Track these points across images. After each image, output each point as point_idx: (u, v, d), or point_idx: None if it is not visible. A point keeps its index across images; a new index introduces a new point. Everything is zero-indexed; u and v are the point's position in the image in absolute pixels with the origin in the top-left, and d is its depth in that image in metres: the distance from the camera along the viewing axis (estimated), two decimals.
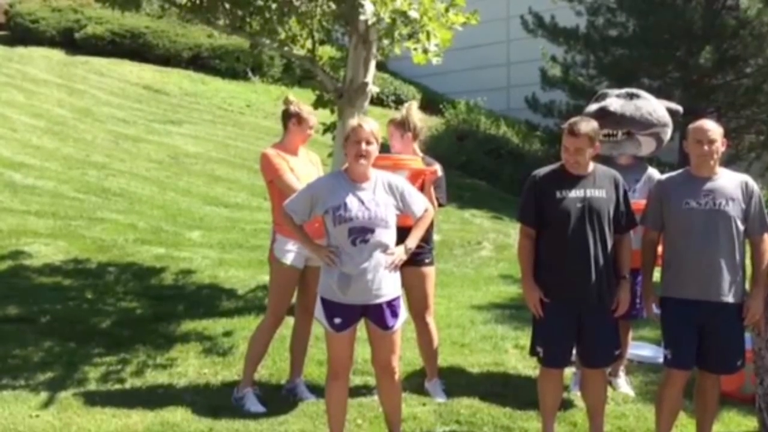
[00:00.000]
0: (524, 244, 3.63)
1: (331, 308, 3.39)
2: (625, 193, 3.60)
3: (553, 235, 3.53)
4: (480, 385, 4.60)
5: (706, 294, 3.49)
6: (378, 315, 3.42)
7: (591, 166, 3.58)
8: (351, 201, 3.33)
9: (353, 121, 3.45)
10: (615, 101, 4.54)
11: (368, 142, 3.35)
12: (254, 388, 4.24)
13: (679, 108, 4.82)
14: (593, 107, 4.56)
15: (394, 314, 3.45)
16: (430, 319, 4.36)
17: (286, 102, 4.33)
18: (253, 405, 4.12)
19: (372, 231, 3.32)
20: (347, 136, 3.41)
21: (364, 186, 3.40)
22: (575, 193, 3.49)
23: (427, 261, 4.26)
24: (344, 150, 3.47)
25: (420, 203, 3.53)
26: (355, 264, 3.32)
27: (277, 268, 4.18)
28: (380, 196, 3.39)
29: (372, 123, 3.44)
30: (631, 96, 4.59)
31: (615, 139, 4.42)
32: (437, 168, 4.22)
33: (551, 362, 3.63)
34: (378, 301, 3.38)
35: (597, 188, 3.51)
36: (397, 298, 3.46)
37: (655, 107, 4.57)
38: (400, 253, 3.43)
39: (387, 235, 3.38)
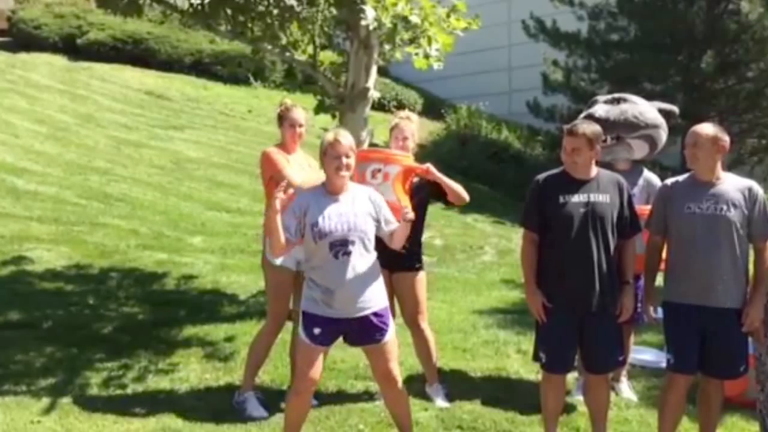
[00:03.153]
0: (527, 249, 3.63)
1: (313, 320, 3.37)
2: (630, 198, 3.59)
3: (556, 239, 3.52)
4: (482, 390, 4.59)
5: (707, 299, 3.49)
6: (365, 328, 3.40)
7: (595, 170, 3.57)
8: (329, 215, 3.33)
9: (329, 136, 3.42)
10: (601, 107, 4.57)
11: (347, 156, 3.37)
12: (256, 392, 4.23)
13: (674, 109, 4.82)
14: (582, 115, 4.59)
15: (383, 324, 3.42)
16: (425, 325, 4.33)
17: (280, 105, 4.39)
18: (255, 409, 4.10)
19: (353, 243, 3.32)
20: (324, 151, 3.39)
21: (341, 198, 3.40)
22: (578, 198, 3.48)
23: (417, 266, 4.25)
24: (322, 163, 3.45)
25: (392, 224, 3.48)
26: (339, 277, 3.31)
27: (271, 271, 4.19)
28: (359, 207, 3.39)
29: (348, 136, 3.45)
30: (618, 101, 4.61)
31: (605, 144, 4.42)
32: (429, 166, 4.18)
33: (554, 367, 3.61)
34: (363, 313, 3.37)
35: (601, 193, 3.50)
36: (384, 309, 3.45)
37: (642, 110, 4.57)
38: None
39: (368, 245, 3.39)
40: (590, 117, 4.43)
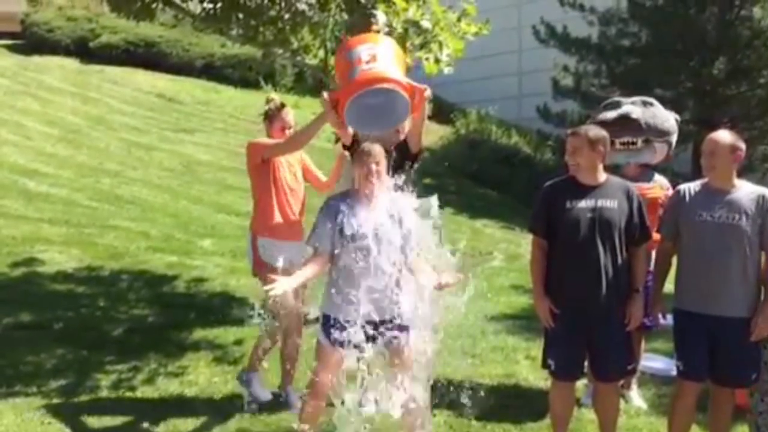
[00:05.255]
0: (536, 255, 3.62)
1: (333, 323, 3.38)
2: (640, 205, 3.55)
3: (563, 245, 3.51)
4: (491, 396, 4.57)
5: (717, 308, 3.47)
6: (387, 332, 3.40)
7: (603, 176, 3.55)
8: (357, 221, 3.36)
9: (362, 146, 3.51)
10: (634, 109, 4.51)
11: (377, 163, 3.41)
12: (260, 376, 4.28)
13: (677, 116, 4.82)
14: (611, 114, 4.53)
15: (404, 328, 3.43)
16: None
17: (267, 101, 4.39)
18: (259, 390, 4.17)
19: (378, 250, 3.34)
20: (355, 159, 3.47)
21: (371, 205, 3.42)
22: (585, 204, 3.47)
23: None
24: (353, 170, 3.49)
25: (413, 249, 3.47)
26: (363, 281, 3.32)
27: (267, 273, 4.11)
28: (387, 216, 3.42)
29: (377, 146, 3.49)
30: (646, 104, 4.59)
31: (635, 147, 4.41)
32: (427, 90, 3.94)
33: (562, 374, 3.60)
34: (386, 317, 3.38)
35: (609, 199, 3.48)
36: (405, 313, 3.45)
37: (666, 115, 4.58)
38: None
39: (393, 253, 3.39)
40: (626, 118, 4.42)
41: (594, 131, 3.53)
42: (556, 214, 3.51)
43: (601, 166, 3.54)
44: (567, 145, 3.55)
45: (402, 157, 4.18)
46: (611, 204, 3.47)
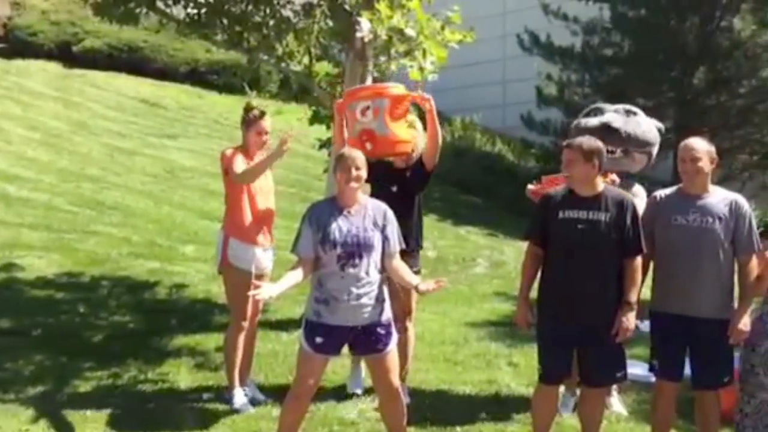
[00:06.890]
0: (527, 261, 3.67)
1: (316, 329, 3.39)
2: (635, 217, 3.52)
3: (554, 255, 3.55)
4: (473, 402, 4.59)
5: (691, 310, 3.56)
6: (368, 338, 3.42)
7: (600, 187, 3.54)
8: (339, 227, 3.37)
9: (344, 150, 3.56)
10: (616, 118, 4.53)
11: (357, 168, 3.42)
12: (244, 389, 4.37)
13: (662, 126, 4.86)
14: (593, 121, 4.55)
15: (386, 335, 3.45)
16: (410, 325, 4.41)
17: (247, 108, 4.47)
18: (240, 402, 4.27)
19: (360, 256, 3.35)
20: (335, 164, 3.50)
21: (353, 211, 3.43)
22: (578, 215, 3.48)
23: (415, 269, 4.24)
24: (334, 176, 3.52)
25: (397, 243, 3.50)
26: (345, 288, 3.34)
27: (235, 274, 4.25)
28: (369, 221, 3.43)
29: (357, 152, 3.52)
30: (629, 113, 4.62)
31: (614, 156, 4.43)
32: (429, 97, 4.15)
33: (548, 379, 3.62)
34: (367, 323, 3.40)
35: (602, 211, 3.47)
36: (387, 320, 3.48)
37: (649, 125, 4.62)
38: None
39: (375, 259, 3.41)
40: (608, 127, 4.44)
41: (588, 143, 3.52)
42: (549, 223, 3.55)
43: (598, 178, 3.54)
44: (562, 157, 3.55)
45: (416, 177, 4.26)
46: (603, 217, 3.46)
